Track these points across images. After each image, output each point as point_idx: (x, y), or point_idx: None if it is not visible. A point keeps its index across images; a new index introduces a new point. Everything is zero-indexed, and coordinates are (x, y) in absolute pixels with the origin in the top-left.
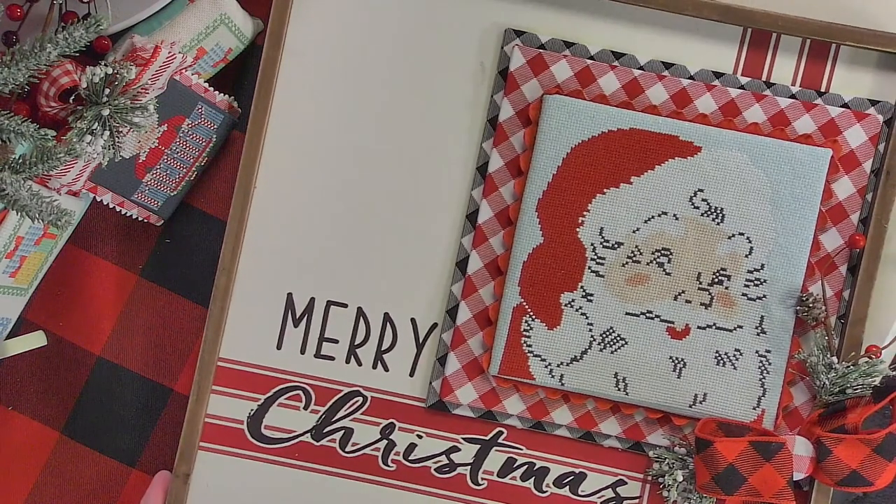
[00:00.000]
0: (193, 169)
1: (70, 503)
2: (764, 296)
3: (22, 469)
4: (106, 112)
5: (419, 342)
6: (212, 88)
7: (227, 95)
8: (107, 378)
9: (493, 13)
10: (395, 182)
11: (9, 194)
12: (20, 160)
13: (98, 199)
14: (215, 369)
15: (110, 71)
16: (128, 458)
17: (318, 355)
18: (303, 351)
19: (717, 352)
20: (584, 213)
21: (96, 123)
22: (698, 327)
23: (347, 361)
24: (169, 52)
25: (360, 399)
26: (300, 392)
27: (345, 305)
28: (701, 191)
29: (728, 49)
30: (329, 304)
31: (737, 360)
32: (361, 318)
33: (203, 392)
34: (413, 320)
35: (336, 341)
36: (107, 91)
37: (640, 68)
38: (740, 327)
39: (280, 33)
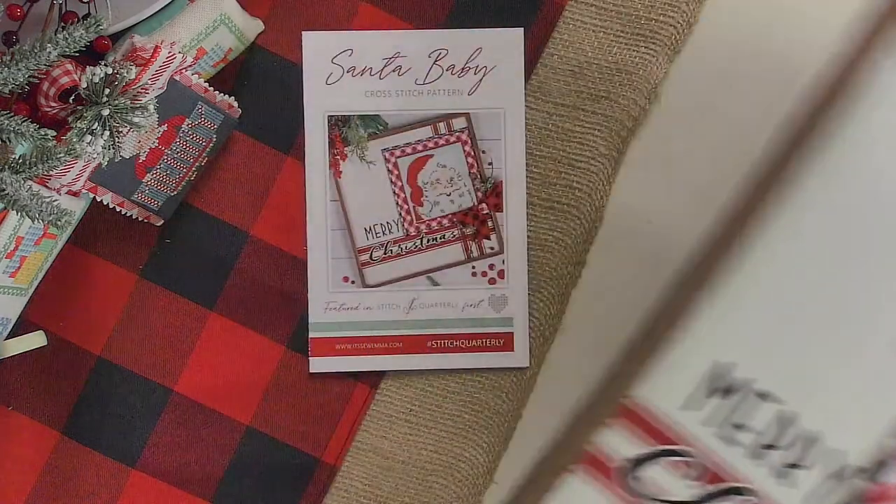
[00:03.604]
0: (193, 169)
1: (70, 503)
2: None
3: (22, 469)
4: (106, 112)
5: None
6: (212, 88)
7: (227, 95)
8: (107, 378)
9: None
10: None
11: (9, 194)
12: (20, 160)
13: (98, 199)
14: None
15: (110, 71)
16: (128, 458)
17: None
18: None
19: None
20: None
21: (96, 123)
22: None
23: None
24: (169, 52)
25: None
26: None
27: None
28: None
29: None
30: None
31: None
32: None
33: (597, 418)
34: None
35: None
36: (107, 91)
37: None
38: None
39: None
